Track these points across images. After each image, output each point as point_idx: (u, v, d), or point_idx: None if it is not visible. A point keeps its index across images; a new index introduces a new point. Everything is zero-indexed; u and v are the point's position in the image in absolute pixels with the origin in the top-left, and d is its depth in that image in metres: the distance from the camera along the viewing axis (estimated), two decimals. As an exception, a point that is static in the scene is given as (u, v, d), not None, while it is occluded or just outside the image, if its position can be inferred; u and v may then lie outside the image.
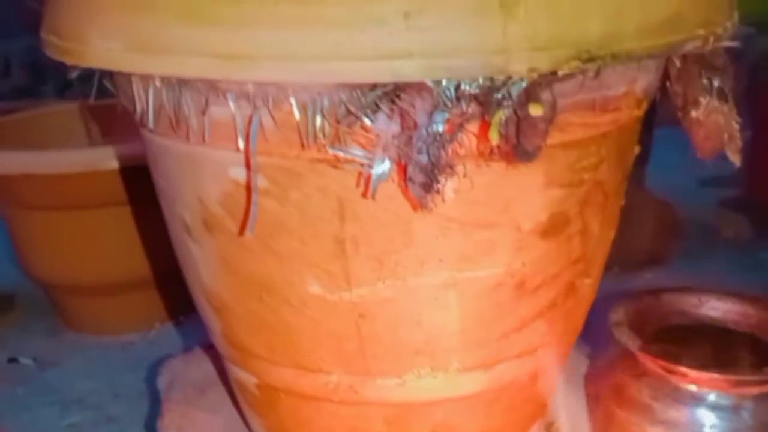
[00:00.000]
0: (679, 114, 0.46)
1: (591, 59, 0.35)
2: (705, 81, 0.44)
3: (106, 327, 0.91)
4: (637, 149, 0.49)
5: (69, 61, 0.40)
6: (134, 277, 0.87)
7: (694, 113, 0.45)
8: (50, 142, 0.95)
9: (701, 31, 0.39)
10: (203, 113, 0.39)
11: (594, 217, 0.46)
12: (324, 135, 0.38)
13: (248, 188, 0.41)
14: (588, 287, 0.48)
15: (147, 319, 0.91)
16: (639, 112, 0.45)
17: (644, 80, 0.43)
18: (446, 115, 0.34)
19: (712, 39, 0.40)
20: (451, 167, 0.36)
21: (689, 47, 0.39)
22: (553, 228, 0.43)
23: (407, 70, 0.34)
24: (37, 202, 0.83)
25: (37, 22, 0.45)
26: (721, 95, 0.44)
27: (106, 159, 0.79)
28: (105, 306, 0.90)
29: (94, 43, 0.38)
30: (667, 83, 0.45)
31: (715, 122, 0.44)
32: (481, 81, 0.35)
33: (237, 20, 0.35)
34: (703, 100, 0.44)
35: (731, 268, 0.98)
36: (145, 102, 0.41)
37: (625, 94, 0.42)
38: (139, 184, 0.80)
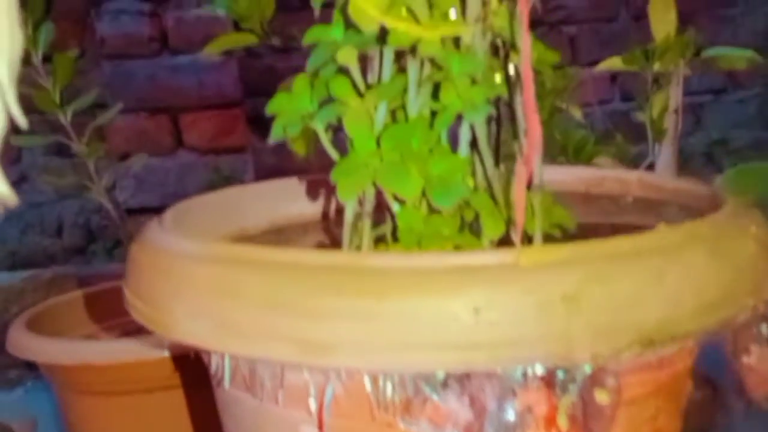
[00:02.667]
0: (730, 358, 0.47)
1: (651, 343, 0.37)
2: (755, 330, 0.46)
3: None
4: (689, 385, 0.50)
5: (153, 328, 0.43)
6: (182, 460, 0.87)
7: (745, 359, 0.46)
8: (105, 320, 0.98)
9: (751, 301, 0.41)
10: (278, 381, 0.41)
11: (653, 461, 0.46)
12: (394, 406, 0.39)
13: (319, 447, 0.42)
14: None
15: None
16: (691, 359, 0.47)
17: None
18: (516, 404, 0.36)
19: (762, 306, 0.42)
20: (520, 446, 0.37)
21: (741, 318, 0.41)
22: (614, 478, 0.44)
23: (476, 360, 0.36)
24: (92, 388, 0.85)
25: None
26: (772, 343, 0.46)
27: (161, 347, 0.81)
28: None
29: (180, 318, 0.41)
30: (717, 328, 0.47)
31: (767, 369, 0.46)
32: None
33: (316, 311, 0.37)
34: (755, 348, 0.46)
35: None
36: (221, 363, 0.43)
37: (678, 351, 0.44)
38: (190, 370, 0.83)
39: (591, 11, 1.78)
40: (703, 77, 1.84)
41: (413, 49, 0.38)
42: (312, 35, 0.41)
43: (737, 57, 1.04)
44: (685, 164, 1.42)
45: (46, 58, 0.89)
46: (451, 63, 0.38)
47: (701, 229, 0.42)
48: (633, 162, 1.03)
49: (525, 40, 0.40)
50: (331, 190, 0.65)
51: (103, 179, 0.89)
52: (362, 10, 0.36)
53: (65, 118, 0.88)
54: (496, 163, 0.46)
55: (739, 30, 1.83)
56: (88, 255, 1.43)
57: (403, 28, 0.37)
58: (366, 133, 0.40)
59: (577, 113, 1.05)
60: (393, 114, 0.43)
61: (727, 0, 1.83)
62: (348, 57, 0.40)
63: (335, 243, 0.60)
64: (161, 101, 1.52)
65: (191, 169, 1.55)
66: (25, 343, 0.83)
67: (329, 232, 0.64)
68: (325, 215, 0.65)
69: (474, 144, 0.44)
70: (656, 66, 1.00)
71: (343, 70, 0.42)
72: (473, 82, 0.39)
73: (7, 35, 0.31)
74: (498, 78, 0.43)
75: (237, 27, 1.72)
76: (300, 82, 0.42)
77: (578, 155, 1.01)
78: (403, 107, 0.43)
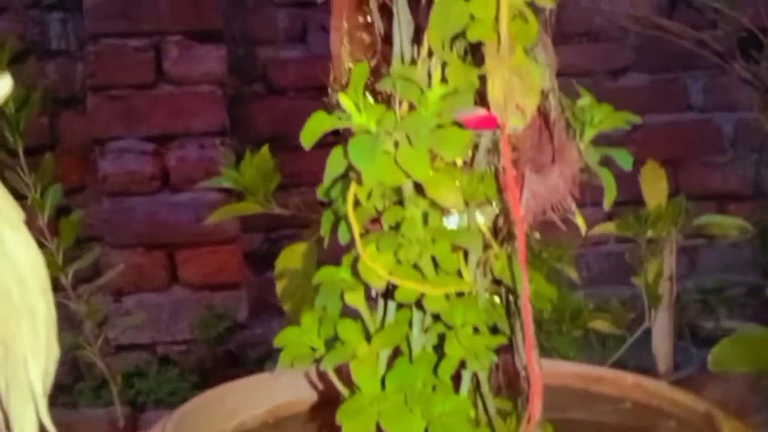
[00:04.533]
0: None
1: None
2: None
3: None
4: None
5: None
6: None
7: None
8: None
9: None
10: None
11: None
12: None
13: None
14: None
15: None
16: None
17: None
18: None
19: None
20: None
21: None
22: None
23: None
24: None
25: None
26: None
27: None
28: None
29: None
30: None
31: None
32: None
33: None
34: None
35: None
36: None
37: None
38: None
39: (583, 155, 1.82)
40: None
41: (418, 302, 0.39)
42: (322, 275, 0.42)
43: (728, 225, 1.06)
44: (681, 312, 1.42)
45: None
46: (455, 315, 0.39)
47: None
48: (630, 328, 1.03)
49: (525, 285, 0.41)
50: (325, 377, 0.65)
51: (98, 342, 0.89)
52: (371, 269, 0.38)
53: (66, 279, 0.88)
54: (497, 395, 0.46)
55: (728, 177, 1.88)
56: (74, 394, 1.41)
57: (410, 286, 0.38)
58: (371, 377, 0.40)
59: (573, 274, 1.06)
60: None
61: (716, 146, 1.88)
62: (356, 300, 0.41)
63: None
64: (159, 238, 1.54)
65: (185, 305, 1.55)
66: None
67: (328, 421, 0.64)
68: (323, 402, 0.65)
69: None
70: (649, 233, 1.03)
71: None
72: (476, 330, 0.40)
73: (44, 348, 0.32)
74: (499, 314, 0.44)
75: (239, 163, 1.76)
76: (308, 317, 0.43)
77: (575, 321, 1.01)
78: (407, 340, 0.44)
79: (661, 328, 1.02)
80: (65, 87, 1.56)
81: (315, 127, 0.37)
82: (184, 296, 1.55)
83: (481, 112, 0.36)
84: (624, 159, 0.47)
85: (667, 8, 1.80)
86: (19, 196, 0.90)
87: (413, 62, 0.38)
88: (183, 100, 1.54)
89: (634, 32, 1.67)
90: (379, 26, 0.46)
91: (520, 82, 0.35)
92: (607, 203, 0.48)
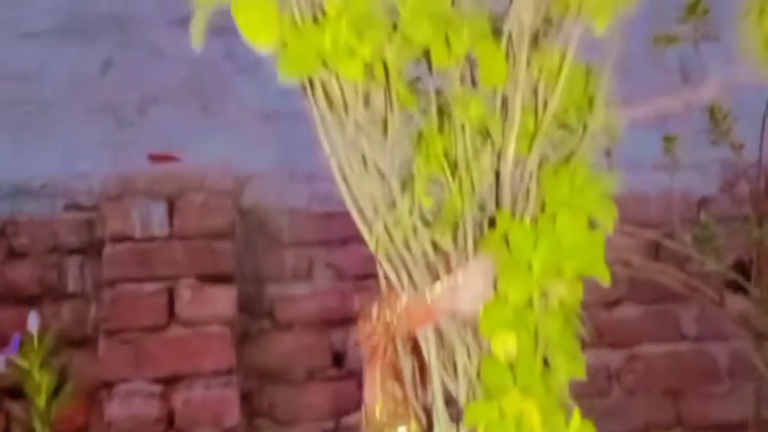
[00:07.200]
0: None
1: None
2: None
3: None
4: None
5: None
6: None
7: None
8: None
9: None
10: None
11: None
12: None
13: None
14: None
15: None
16: None
17: None
18: None
19: None
20: None
21: None
22: None
23: None
24: None
25: None
26: None
27: None
28: None
29: None
30: None
31: None
32: None
33: None
34: None
35: None
36: None
37: None
38: None
39: (582, 387, 1.84)
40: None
41: None
42: None
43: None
44: None
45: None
46: None
47: None
48: None
49: None
50: None
51: None
52: None
53: None
54: None
55: (728, 406, 1.89)
56: None
57: None
58: None
59: None
60: None
61: (713, 376, 1.91)
62: None
63: None
64: (160, 487, 1.51)
65: None
66: None
67: None
68: None
69: None
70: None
71: None
72: None
73: None
74: None
75: (244, 401, 1.75)
76: None
77: None
78: None
79: None
80: (77, 329, 1.60)
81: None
82: None
83: None
84: None
85: (654, 245, 1.90)
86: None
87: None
88: (193, 342, 1.57)
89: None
90: (415, 406, 0.50)
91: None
92: None
